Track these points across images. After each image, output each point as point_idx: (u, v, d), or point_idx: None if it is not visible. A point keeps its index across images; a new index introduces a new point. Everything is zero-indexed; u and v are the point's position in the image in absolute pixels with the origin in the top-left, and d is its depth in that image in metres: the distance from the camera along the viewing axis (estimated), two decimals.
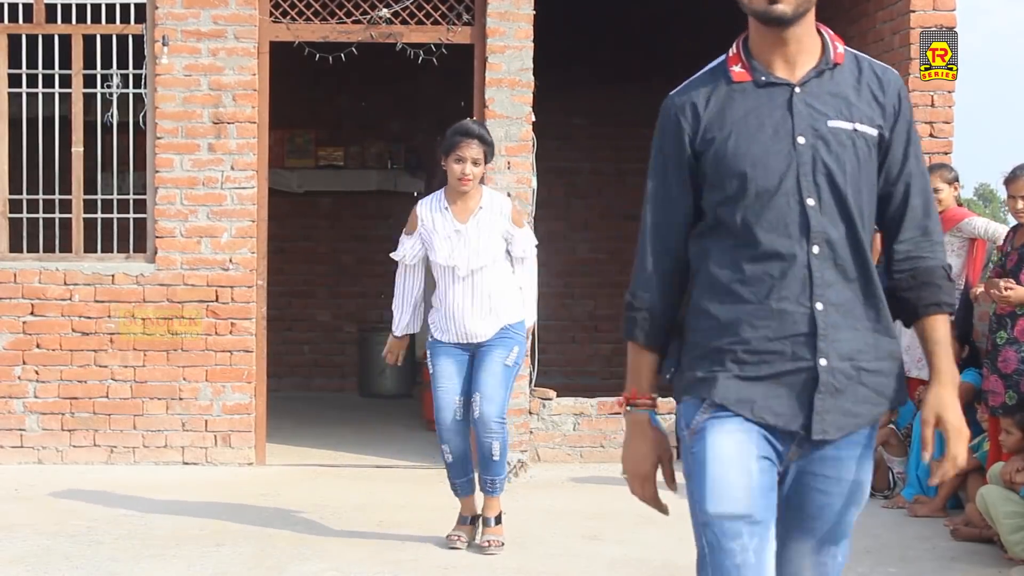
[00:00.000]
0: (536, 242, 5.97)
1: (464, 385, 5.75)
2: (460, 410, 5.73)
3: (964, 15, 7.85)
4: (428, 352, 5.85)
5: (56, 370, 7.61)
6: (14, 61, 7.79)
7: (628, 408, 2.89)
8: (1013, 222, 6.41)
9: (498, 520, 5.82)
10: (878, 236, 8.56)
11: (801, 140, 2.70)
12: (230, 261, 7.67)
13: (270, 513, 6.46)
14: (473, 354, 5.76)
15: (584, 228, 11.19)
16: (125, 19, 7.70)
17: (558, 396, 7.93)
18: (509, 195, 7.64)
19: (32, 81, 7.74)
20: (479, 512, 5.87)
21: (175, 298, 7.64)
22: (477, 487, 5.86)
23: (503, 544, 5.73)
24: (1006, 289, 5.98)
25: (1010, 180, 6.22)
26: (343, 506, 6.65)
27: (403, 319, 5.97)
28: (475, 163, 5.64)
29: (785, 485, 2.78)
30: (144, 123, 7.74)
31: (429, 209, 5.77)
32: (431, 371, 5.82)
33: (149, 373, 7.63)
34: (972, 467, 6.41)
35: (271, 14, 7.73)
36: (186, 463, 7.63)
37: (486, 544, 5.70)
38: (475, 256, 5.67)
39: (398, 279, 5.94)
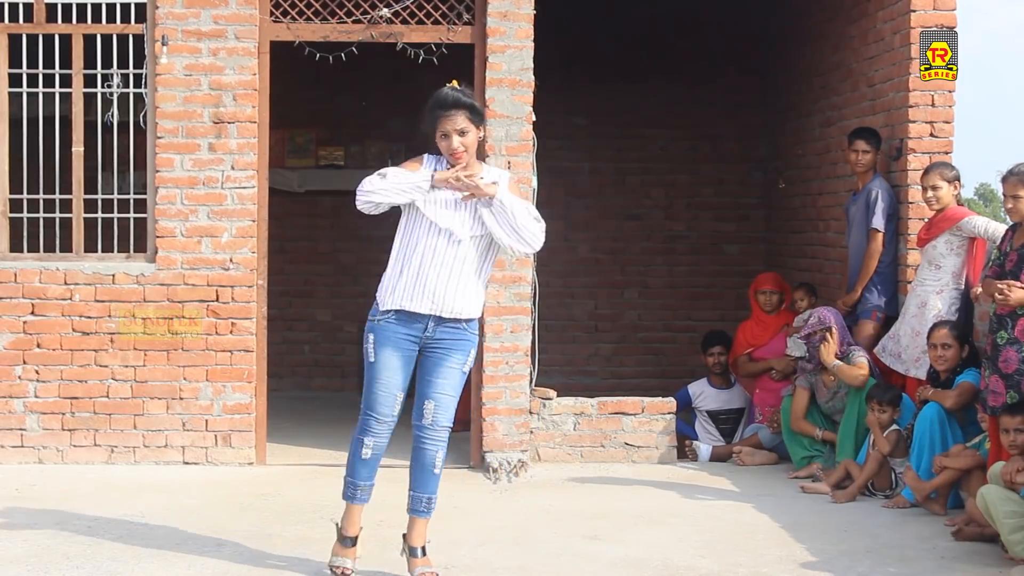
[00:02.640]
0: (536, 214, 5.35)
1: (406, 381, 5.29)
2: (399, 407, 5.31)
3: (963, 15, 7.85)
4: (370, 334, 5.26)
5: (56, 370, 7.61)
6: (14, 61, 7.78)
7: None
8: (1012, 222, 6.40)
9: (424, 551, 5.36)
10: (879, 236, 8.52)
11: None
12: (230, 261, 7.67)
13: (270, 513, 6.46)
14: (422, 348, 5.27)
15: (584, 228, 11.18)
16: (125, 19, 7.70)
17: (558, 396, 7.93)
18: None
19: (32, 81, 7.74)
20: (362, 527, 5.44)
21: (175, 298, 7.64)
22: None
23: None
24: (1006, 290, 5.97)
25: (1005, 179, 6.22)
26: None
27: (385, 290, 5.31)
28: (462, 133, 5.16)
29: None
30: (144, 123, 7.74)
31: (431, 162, 5.33)
32: (370, 359, 5.26)
33: (149, 373, 7.63)
34: (972, 464, 6.41)
35: (271, 14, 7.73)
36: (186, 463, 7.63)
37: None
38: (475, 224, 5.20)
39: (398, 236, 5.40)
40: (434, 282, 5.19)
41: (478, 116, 5.26)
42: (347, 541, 5.42)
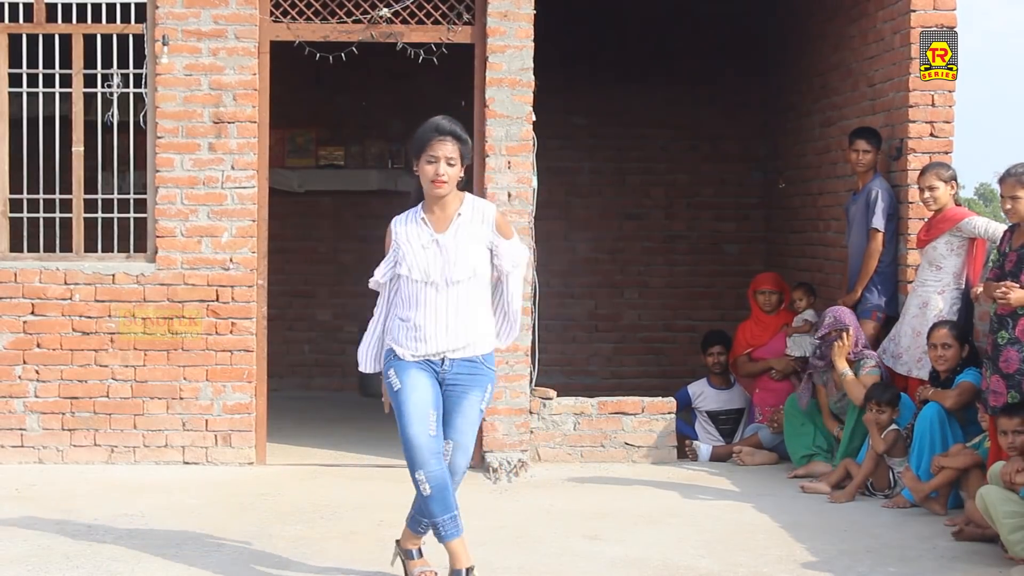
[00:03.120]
0: (527, 253, 5.40)
1: (437, 400, 5.08)
2: (436, 425, 5.03)
3: (963, 15, 7.85)
4: (391, 370, 5.12)
5: (56, 370, 7.61)
6: (14, 61, 7.79)
7: None
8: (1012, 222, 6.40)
9: (421, 552, 5.27)
10: (879, 236, 8.52)
11: None
12: (231, 261, 7.67)
13: (270, 513, 6.47)
14: (441, 383, 5.11)
15: (584, 228, 11.19)
16: (125, 19, 7.70)
17: (558, 396, 7.93)
18: (509, 195, 7.65)
19: (32, 81, 7.74)
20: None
21: (175, 298, 7.64)
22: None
23: None
24: (1006, 291, 5.97)
25: (1003, 180, 6.20)
26: (343, 506, 6.65)
27: (370, 353, 5.29)
28: (450, 163, 5.01)
29: None
30: (144, 123, 7.74)
31: (404, 222, 5.20)
32: (397, 387, 5.08)
33: (149, 373, 7.63)
34: (970, 463, 6.41)
35: (271, 14, 7.73)
36: (186, 463, 7.64)
37: None
38: (452, 268, 5.05)
39: (380, 305, 5.26)
40: (433, 332, 5.06)
41: (467, 154, 5.12)
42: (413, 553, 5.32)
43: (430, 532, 5.20)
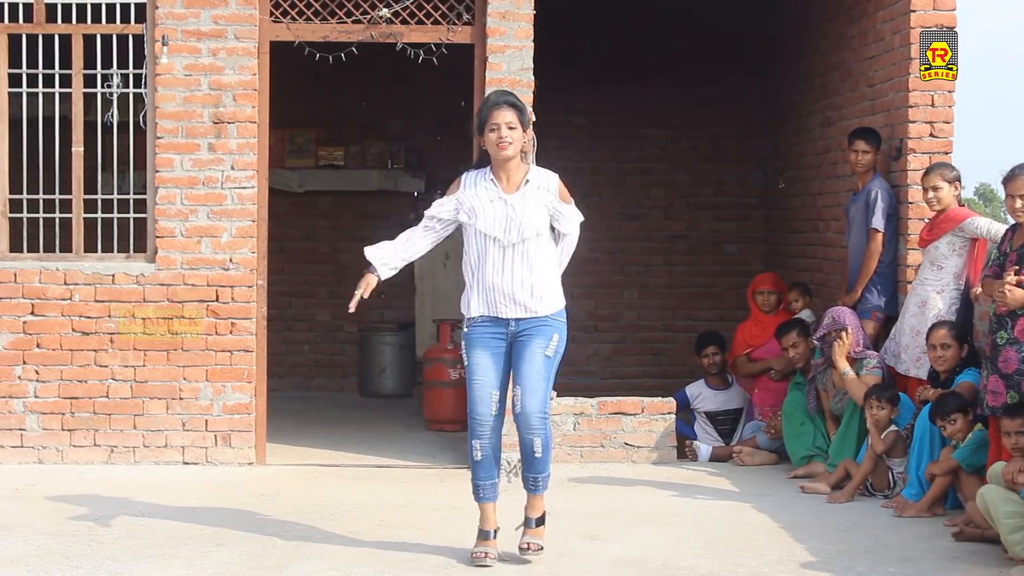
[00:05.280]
0: (582, 218, 5.89)
1: (501, 378, 5.54)
2: (497, 404, 5.52)
3: (961, 15, 7.85)
4: (463, 343, 5.61)
5: (56, 370, 7.61)
6: (14, 61, 7.78)
7: None
8: (1012, 222, 6.40)
9: (540, 521, 5.59)
10: (879, 236, 8.51)
11: None
12: (230, 261, 7.67)
13: (270, 513, 6.46)
14: (511, 344, 5.53)
15: (583, 228, 11.13)
16: (125, 19, 7.70)
17: (558, 396, 7.92)
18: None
19: (32, 81, 7.74)
20: (499, 526, 5.59)
21: (175, 298, 7.64)
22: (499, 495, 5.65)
23: (543, 548, 5.52)
24: (1010, 287, 5.96)
25: (1008, 179, 6.20)
26: (343, 506, 6.65)
27: (388, 255, 5.65)
28: (510, 127, 5.45)
29: None
30: (144, 123, 7.74)
31: (474, 178, 5.60)
32: (466, 363, 5.59)
33: (149, 373, 7.63)
34: (949, 469, 6.41)
35: (271, 14, 7.73)
36: (186, 463, 7.63)
37: (526, 547, 5.49)
38: (520, 227, 5.48)
39: (410, 230, 5.73)
40: (500, 288, 5.49)
41: (525, 120, 5.55)
42: (486, 534, 5.56)
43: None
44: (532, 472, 5.55)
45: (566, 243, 5.78)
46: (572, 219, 5.76)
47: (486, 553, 5.45)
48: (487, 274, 5.50)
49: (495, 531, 5.57)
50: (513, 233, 5.48)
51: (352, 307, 5.61)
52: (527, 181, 5.55)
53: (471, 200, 5.54)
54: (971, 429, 6.43)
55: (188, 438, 7.64)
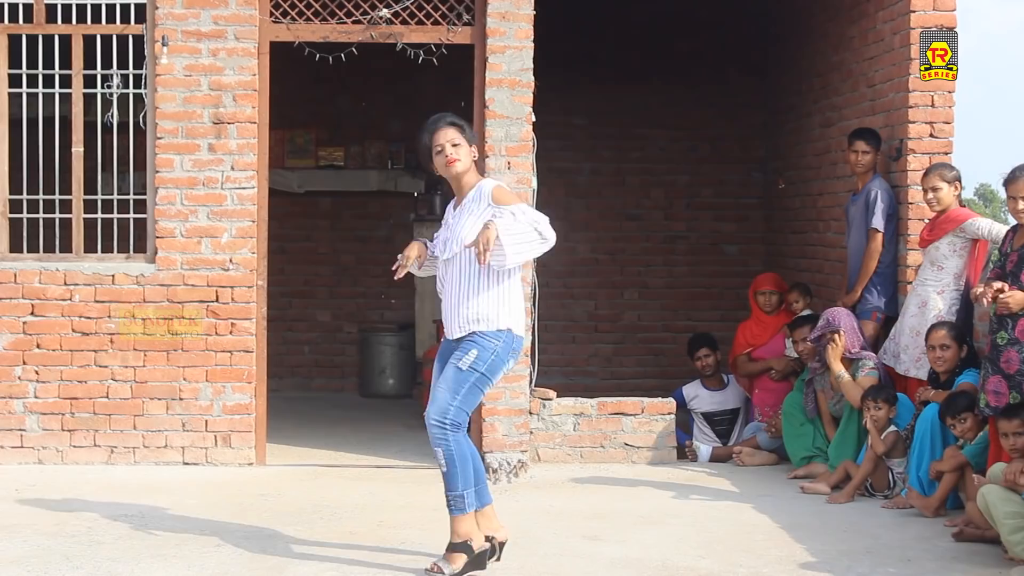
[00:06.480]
0: (530, 209, 5.43)
1: None
2: None
3: (960, 16, 7.85)
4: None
5: (56, 370, 7.61)
6: (14, 61, 7.79)
7: None
8: (1013, 222, 6.40)
9: (450, 547, 5.36)
10: (879, 236, 8.50)
11: None
12: (230, 261, 7.67)
13: (270, 513, 6.47)
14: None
15: (584, 228, 11.18)
16: (125, 19, 7.70)
17: (558, 396, 7.93)
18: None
19: (32, 81, 7.75)
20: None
21: (175, 298, 7.64)
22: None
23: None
24: (1003, 296, 5.97)
25: (1009, 181, 6.20)
26: (343, 506, 6.65)
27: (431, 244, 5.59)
28: (454, 144, 5.38)
29: None
30: (144, 123, 7.74)
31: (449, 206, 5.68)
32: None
33: (149, 373, 7.63)
34: (957, 466, 6.40)
35: (271, 14, 7.73)
36: (186, 463, 7.63)
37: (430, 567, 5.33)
38: (457, 241, 5.37)
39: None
40: (447, 308, 5.46)
41: (469, 134, 5.46)
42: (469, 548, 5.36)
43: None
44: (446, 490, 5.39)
45: (520, 224, 5.27)
46: (515, 213, 5.29)
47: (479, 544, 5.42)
48: (441, 293, 5.52)
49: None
50: (449, 248, 5.41)
51: (400, 273, 5.53)
52: (467, 197, 5.45)
53: (443, 225, 5.59)
54: (981, 429, 6.41)
55: (188, 438, 7.64)
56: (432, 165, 5.49)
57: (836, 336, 7.41)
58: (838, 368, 7.38)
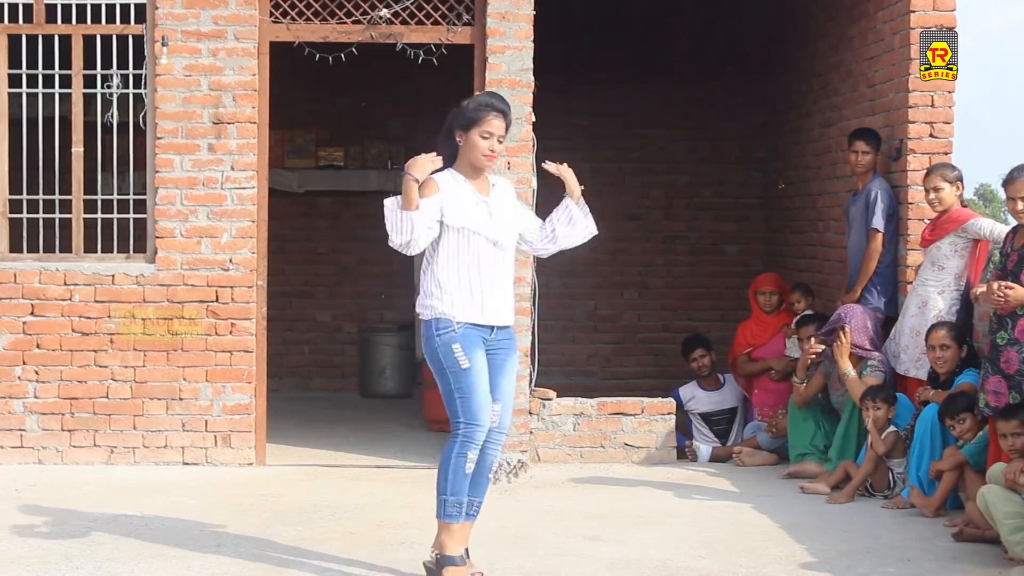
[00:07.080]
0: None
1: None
2: (496, 416, 5.26)
3: (960, 16, 7.85)
4: (457, 344, 5.10)
5: (56, 370, 7.61)
6: (14, 61, 7.79)
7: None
8: (1013, 223, 6.40)
9: (468, 553, 5.33)
10: (879, 236, 8.48)
11: None
12: (230, 261, 7.67)
13: (270, 513, 6.46)
14: (488, 347, 5.21)
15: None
16: (125, 19, 7.70)
17: (558, 396, 7.93)
18: None
19: (32, 81, 7.74)
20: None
21: (175, 298, 7.64)
22: None
23: None
24: (1005, 290, 5.96)
25: (1008, 182, 6.20)
26: (343, 506, 6.65)
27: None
28: (500, 140, 5.19)
29: None
30: (144, 123, 7.74)
31: (447, 178, 5.20)
32: (463, 365, 5.10)
33: (149, 373, 7.63)
34: (956, 464, 6.40)
35: (271, 14, 7.73)
36: (186, 463, 7.63)
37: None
38: (507, 228, 5.25)
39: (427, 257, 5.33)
40: (487, 291, 5.17)
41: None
42: (459, 560, 5.24)
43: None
44: (480, 495, 5.35)
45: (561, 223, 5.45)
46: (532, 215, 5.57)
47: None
48: (475, 278, 5.15)
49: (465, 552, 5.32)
50: (505, 234, 5.23)
51: (430, 168, 5.23)
52: (494, 185, 5.31)
53: (454, 200, 5.17)
54: (980, 429, 6.41)
55: (188, 438, 7.64)
56: (462, 133, 5.19)
57: (841, 332, 7.41)
58: (845, 364, 7.38)
